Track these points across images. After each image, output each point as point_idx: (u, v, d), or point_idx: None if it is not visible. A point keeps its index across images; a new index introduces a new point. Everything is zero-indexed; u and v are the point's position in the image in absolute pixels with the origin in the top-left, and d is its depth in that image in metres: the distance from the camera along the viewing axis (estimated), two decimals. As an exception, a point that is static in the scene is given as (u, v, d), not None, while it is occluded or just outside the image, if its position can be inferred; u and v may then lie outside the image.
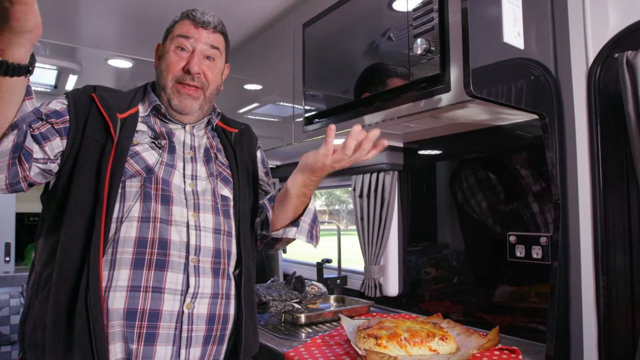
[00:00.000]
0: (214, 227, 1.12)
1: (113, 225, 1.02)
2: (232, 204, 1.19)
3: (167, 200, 1.07)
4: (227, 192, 1.19)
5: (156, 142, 1.12)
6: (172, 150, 1.14)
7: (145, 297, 1.00)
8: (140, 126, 1.13)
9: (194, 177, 1.14)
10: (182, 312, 1.04)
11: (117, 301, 0.98)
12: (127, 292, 0.99)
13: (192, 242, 1.07)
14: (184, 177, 1.13)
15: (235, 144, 1.27)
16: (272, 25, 2.16)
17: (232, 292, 1.14)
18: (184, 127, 1.20)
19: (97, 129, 1.05)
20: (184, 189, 1.11)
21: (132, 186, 1.05)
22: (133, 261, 1.01)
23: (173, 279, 1.03)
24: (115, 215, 1.02)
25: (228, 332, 1.13)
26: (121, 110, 1.10)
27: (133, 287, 1.00)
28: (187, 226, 1.08)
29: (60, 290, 0.97)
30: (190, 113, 1.18)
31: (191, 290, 1.05)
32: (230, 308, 1.13)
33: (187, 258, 1.06)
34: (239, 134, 1.30)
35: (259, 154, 1.38)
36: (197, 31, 1.16)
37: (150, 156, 1.09)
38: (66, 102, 1.07)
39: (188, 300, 1.04)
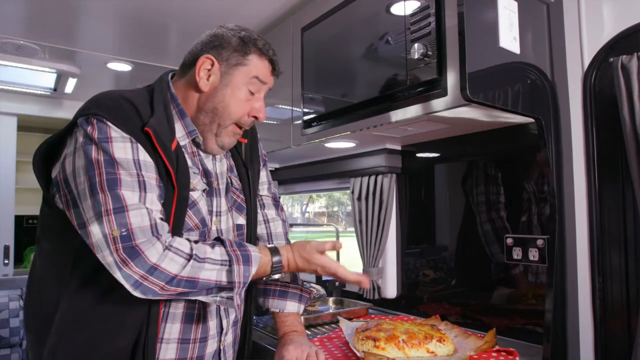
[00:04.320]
0: None
1: None
2: (245, 230, 1.20)
3: None
4: (241, 220, 1.19)
5: (207, 189, 1.08)
6: (211, 191, 1.10)
7: (193, 347, 1.06)
8: (187, 160, 1.05)
9: (218, 214, 1.12)
10: (219, 349, 1.11)
11: (169, 352, 1.02)
12: (178, 344, 1.04)
13: None
14: (210, 214, 1.10)
15: (245, 157, 1.22)
16: (271, 29, 2.17)
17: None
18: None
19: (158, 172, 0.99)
20: (210, 228, 1.09)
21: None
22: (184, 316, 1.04)
23: (213, 326, 1.10)
24: None
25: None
26: (168, 138, 1.01)
27: (183, 340, 1.04)
28: None
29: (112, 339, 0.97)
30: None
31: (224, 330, 1.12)
32: (241, 324, 1.21)
33: None
34: (248, 144, 1.24)
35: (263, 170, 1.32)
36: (271, 78, 1.13)
37: (204, 205, 1.07)
38: (145, 154, 0.97)
39: (222, 338, 1.12)
